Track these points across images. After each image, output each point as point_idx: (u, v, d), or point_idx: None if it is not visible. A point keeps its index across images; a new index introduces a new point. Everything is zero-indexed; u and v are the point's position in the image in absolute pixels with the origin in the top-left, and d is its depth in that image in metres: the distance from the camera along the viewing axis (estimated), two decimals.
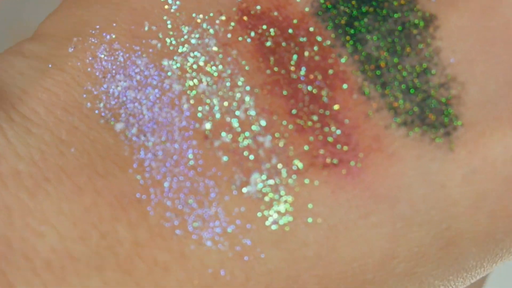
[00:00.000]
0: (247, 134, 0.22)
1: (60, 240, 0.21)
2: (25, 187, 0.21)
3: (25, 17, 0.59)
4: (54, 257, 0.21)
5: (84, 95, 0.23)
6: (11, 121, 0.22)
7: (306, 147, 0.22)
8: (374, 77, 0.23)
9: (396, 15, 0.23)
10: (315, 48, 0.23)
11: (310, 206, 0.22)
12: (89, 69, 0.23)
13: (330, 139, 0.22)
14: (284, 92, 0.23)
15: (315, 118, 0.22)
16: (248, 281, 0.21)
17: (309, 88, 0.23)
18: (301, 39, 0.23)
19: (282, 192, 0.22)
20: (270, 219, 0.22)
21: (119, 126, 0.22)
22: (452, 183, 0.23)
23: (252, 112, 0.22)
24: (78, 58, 0.23)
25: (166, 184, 0.22)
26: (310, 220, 0.22)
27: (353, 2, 0.23)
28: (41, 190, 0.21)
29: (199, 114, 0.22)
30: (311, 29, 0.23)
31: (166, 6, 0.24)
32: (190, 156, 0.22)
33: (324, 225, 0.22)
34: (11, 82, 0.23)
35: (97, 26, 0.24)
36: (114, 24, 0.24)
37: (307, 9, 0.24)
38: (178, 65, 0.23)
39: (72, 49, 0.23)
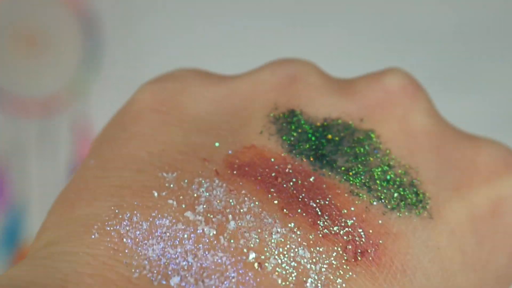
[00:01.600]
0: (285, 251, 0.24)
1: None
2: None
3: (25, 17, 0.59)
4: None
5: (127, 268, 0.23)
6: None
7: (336, 248, 0.25)
8: (357, 182, 0.27)
9: (349, 139, 0.28)
10: (301, 177, 0.26)
11: None
12: (118, 246, 0.23)
13: (349, 237, 0.25)
14: (299, 210, 0.25)
15: (329, 224, 0.26)
16: None
17: (314, 204, 0.26)
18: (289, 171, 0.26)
19: None
20: None
21: (174, 280, 0.23)
22: (442, 244, 0.27)
23: (280, 230, 0.25)
24: (105, 240, 0.24)
25: None
26: None
27: (313, 138, 0.28)
28: None
29: (243, 247, 0.24)
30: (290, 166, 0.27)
31: (165, 181, 0.26)
32: (251, 285, 0.23)
33: None
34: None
35: (109, 215, 0.24)
36: (125, 205, 0.25)
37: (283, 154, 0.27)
38: (202, 212, 0.24)
39: (95, 236, 0.24)
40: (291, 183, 0.26)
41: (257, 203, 0.25)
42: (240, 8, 0.61)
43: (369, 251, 0.25)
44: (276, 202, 0.25)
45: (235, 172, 0.26)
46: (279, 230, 0.24)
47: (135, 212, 0.24)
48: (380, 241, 0.25)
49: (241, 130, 0.27)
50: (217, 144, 0.27)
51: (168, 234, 0.23)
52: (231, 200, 0.25)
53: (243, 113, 0.28)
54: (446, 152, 0.29)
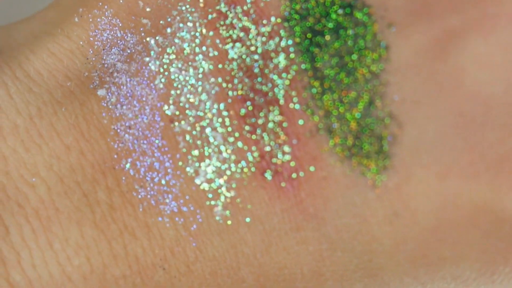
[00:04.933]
0: (204, 124, 0.24)
1: (48, 193, 0.23)
2: (21, 141, 0.24)
3: (25, 17, 0.60)
4: (42, 207, 0.23)
5: (85, 64, 0.25)
6: (16, 79, 0.24)
7: (255, 154, 0.24)
8: (320, 97, 0.24)
9: (351, 35, 0.24)
10: (281, 61, 0.24)
11: (249, 206, 0.24)
12: (91, 39, 0.25)
13: (275, 149, 0.24)
14: (239, 87, 0.24)
15: (263, 123, 0.24)
16: (196, 262, 0.24)
17: (268, 95, 0.24)
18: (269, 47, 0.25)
19: (227, 187, 0.24)
20: (216, 210, 0.24)
21: (100, 92, 0.25)
22: (373, 219, 0.24)
23: (210, 105, 0.24)
24: (83, 28, 0.25)
25: (134, 155, 0.24)
26: (248, 220, 0.24)
27: (323, 21, 0.24)
28: (35, 145, 0.24)
29: (168, 96, 0.24)
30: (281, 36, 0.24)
31: None
32: (156, 134, 0.24)
33: (260, 227, 0.24)
34: (23, 42, 0.25)
35: (105, 5, 0.26)
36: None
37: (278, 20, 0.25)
38: (160, 43, 0.25)
39: (78, 19, 0.25)
40: (256, 58, 0.24)
41: (210, 65, 0.24)
42: None
43: (284, 175, 0.24)
44: (226, 69, 0.24)
45: (216, 15, 0.25)
46: (208, 104, 0.24)
47: (118, 12, 0.25)
48: (301, 173, 0.24)
49: None
50: None
51: (128, 50, 0.25)
52: (190, 42, 0.25)
53: None
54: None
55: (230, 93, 0.24)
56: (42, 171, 0.23)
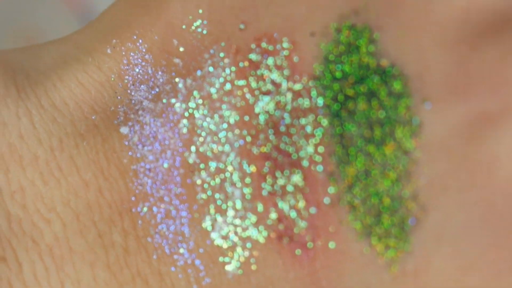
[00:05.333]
0: (224, 177, 0.24)
1: (63, 230, 0.23)
2: (40, 173, 0.23)
3: (25, 17, 0.59)
4: (56, 245, 0.23)
5: (112, 98, 0.24)
6: (41, 107, 0.24)
7: (273, 216, 0.23)
8: (344, 167, 0.23)
9: (385, 106, 0.23)
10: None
11: (264, 272, 0.23)
12: (122, 73, 0.25)
13: (293, 215, 0.23)
14: (263, 147, 0.24)
15: (286, 187, 0.24)
16: None
17: (292, 156, 0.24)
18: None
19: (242, 247, 0.24)
20: (228, 268, 0.23)
21: (123, 130, 0.24)
22: None
23: (232, 159, 0.24)
24: (115, 60, 0.25)
25: (152, 200, 0.24)
26: (260, 282, 0.23)
27: (356, 86, 0.23)
28: (54, 179, 0.23)
29: (191, 144, 0.24)
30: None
31: (198, 29, 0.25)
32: (176, 182, 0.24)
33: None
34: (52, 66, 0.25)
35: (136, 32, 0.25)
36: (150, 33, 0.25)
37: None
38: (187, 86, 0.25)
39: (111, 51, 0.25)
40: (284, 120, 0.24)
41: (236, 116, 0.24)
42: None
43: (301, 242, 0.23)
44: (252, 124, 0.24)
45: (249, 66, 0.24)
46: (231, 156, 0.24)
47: (152, 48, 0.25)
48: (319, 243, 0.23)
49: (304, 14, 0.24)
50: (272, 8, 0.24)
51: (157, 89, 0.25)
52: (218, 89, 0.24)
53: None
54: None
55: (254, 149, 0.24)
56: (58, 206, 0.23)
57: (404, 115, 0.22)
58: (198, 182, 0.24)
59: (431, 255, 0.22)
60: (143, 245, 0.23)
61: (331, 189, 0.23)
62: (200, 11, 0.25)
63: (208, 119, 0.24)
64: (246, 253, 0.23)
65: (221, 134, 0.24)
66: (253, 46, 0.24)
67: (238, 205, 0.24)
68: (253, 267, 0.23)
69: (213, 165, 0.24)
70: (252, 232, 0.23)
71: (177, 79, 0.24)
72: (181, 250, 0.24)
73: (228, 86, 0.24)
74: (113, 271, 0.23)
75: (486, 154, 0.22)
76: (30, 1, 0.60)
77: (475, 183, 0.22)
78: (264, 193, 0.23)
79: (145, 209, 0.24)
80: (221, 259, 0.24)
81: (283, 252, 0.23)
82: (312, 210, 0.23)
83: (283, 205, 0.23)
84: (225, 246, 0.24)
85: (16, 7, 0.59)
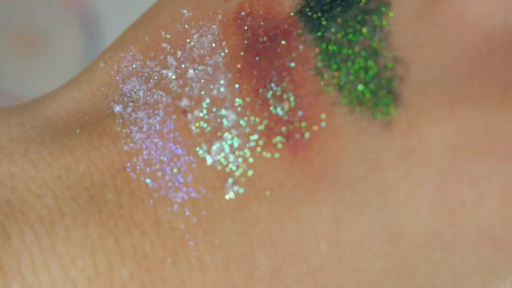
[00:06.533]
0: (214, 109, 0.24)
1: (54, 199, 0.23)
2: (30, 160, 0.24)
3: (25, 17, 0.59)
4: (47, 212, 0.23)
5: (104, 100, 0.25)
6: (32, 119, 0.25)
7: (264, 121, 0.24)
8: (327, 59, 0.24)
9: (356, 3, 0.25)
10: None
11: (262, 178, 0.23)
12: (113, 78, 0.26)
13: (281, 113, 0.24)
14: (254, 72, 0.24)
15: (274, 94, 0.24)
16: (208, 251, 0.23)
17: (279, 61, 0.25)
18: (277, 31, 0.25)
19: (239, 163, 0.24)
20: (227, 189, 0.23)
21: (117, 108, 0.25)
22: (388, 162, 0.22)
23: (223, 89, 0.24)
24: (106, 71, 0.26)
25: (145, 152, 0.24)
26: (260, 192, 0.23)
27: None
28: (44, 161, 0.24)
29: (182, 94, 0.25)
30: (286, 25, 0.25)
31: (182, 17, 0.26)
32: (169, 128, 0.24)
33: (271, 199, 0.23)
34: (46, 95, 0.26)
35: (128, 43, 0.26)
36: (140, 39, 0.26)
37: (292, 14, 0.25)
38: (178, 58, 0.26)
39: (103, 64, 0.26)
40: (268, 43, 0.25)
41: (223, 55, 0.25)
42: None
43: (295, 136, 0.23)
44: (240, 56, 0.25)
45: (239, 21, 0.25)
46: (221, 89, 0.24)
47: (141, 48, 0.26)
48: (314, 129, 0.23)
49: None
50: None
51: (146, 74, 0.26)
52: (208, 50, 0.25)
53: None
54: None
55: (243, 73, 0.24)
56: (49, 182, 0.23)
57: (373, 4, 0.24)
58: (191, 119, 0.24)
59: (420, 101, 0.23)
60: (137, 195, 0.23)
61: (318, 81, 0.24)
62: (186, 6, 0.26)
63: (197, 71, 0.25)
64: (243, 168, 0.23)
65: (211, 76, 0.25)
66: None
67: (233, 124, 0.24)
68: (251, 179, 0.23)
69: (205, 101, 0.24)
70: (247, 145, 0.24)
71: (167, 57, 0.25)
72: (178, 188, 0.24)
73: (216, 43, 0.25)
74: (107, 226, 0.23)
75: (451, 7, 0.24)
76: (30, 1, 0.60)
77: (447, 31, 0.23)
78: (257, 106, 0.24)
79: (138, 161, 0.24)
80: (218, 183, 0.23)
81: (281, 152, 0.23)
82: (304, 104, 0.24)
83: (274, 109, 0.24)
84: (221, 167, 0.23)
85: (16, 7, 0.60)
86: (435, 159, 0.22)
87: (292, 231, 0.23)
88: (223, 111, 0.24)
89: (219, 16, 0.26)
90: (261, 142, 0.24)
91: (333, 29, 0.24)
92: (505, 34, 0.23)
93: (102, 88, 0.26)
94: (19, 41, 0.60)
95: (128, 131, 0.24)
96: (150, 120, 0.24)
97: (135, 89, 0.25)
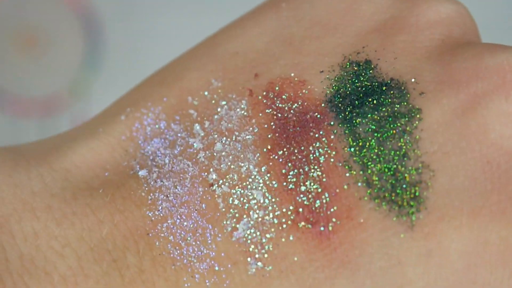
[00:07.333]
0: (242, 187, 0.25)
1: (77, 260, 0.23)
2: (54, 218, 0.24)
3: (26, 17, 0.59)
4: (70, 273, 0.23)
5: (124, 156, 0.26)
6: (52, 170, 0.25)
7: (290, 207, 0.25)
8: (358, 154, 0.25)
9: (388, 103, 0.26)
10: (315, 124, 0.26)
11: (285, 260, 0.24)
12: (134, 134, 0.26)
13: (307, 202, 0.25)
14: (283, 157, 0.25)
15: (302, 181, 0.25)
16: None
17: (309, 156, 0.26)
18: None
19: (264, 242, 0.24)
20: (250, 265, 0.24)
21: (142, 173, 0.25)
22: (408, 261, 0.24)
23: (252, 168, 0.25)
24: (126, 125, 0.26)
25: (170, 221, 0.24)
26: (283, 272, 0.24)
27: (360, 95, 0.26)
28: (67, 220, 0.24)
29: (210, 167, 0.25)
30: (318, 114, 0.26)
31: (210, 86, 0.27)
32: (196, 200, 0.25)
33: (293, 279, 0.24)
34: (62, 142, 0.26)
35: (151, 99, 0.27)
36: (165, 99, 0.27)
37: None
38: (205, 128, 0.26)
39: (124, 117, 0.26)
40: (298, 128, 0.26)
41: (253, 137, 0.25)
42: (246, 6, 0.60)
43: (321, 224, 0.24)
44: (269, 138, 0.25)
45: (265, 101, 0.26)
46: (250, 167, 0.25)
47: (165, 108, 0.26)
48: (338, 222, 0.24)
49: (311, 61, 0.27)
50: (282, 61, 0.27)
51: (170, 138, 0.26)
52: (236, 124, 0.26)
53: (328, 27, 0.28)
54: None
55: (272, 156, 0.25)
56: (73, 242, 0.23)
57: (405, 108, 0.26)
58: (219, 194, 0.25)
59: (443, 209, 0.24)
60: (159, 262, 0.24)
61: (348, 174, 0.25)
62: (215, 74, 0.27)
63: (226, 146, 0.25)
64: (268, 247, 0.24)
65: (240, 153, 0.25)
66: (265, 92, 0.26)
67: (260, 202, 0.25)
68: (275, 258, 0.24)
69: (233, 177, 0.25)
70: (273, 225, 0.24)
71: (194, 125, 0.26)
72: (200, 258, 0.24)
73: (245, 120, 0.26)
74: None
75: (479, 122, 0.25)
76: (31, 1, 0.60)
77: (472, 145, 0.25)
78: (284, 190, 0.25)
79: (163, 229, 0.24)
80: (241, 258, 0.24)
81: (303, 238, 0.24)
82: (332, 194, 0.25)
83: (303, 197, 0.25)
84: (247, 244, 0.24)
85: (16, 7, 0.59)
86: (452, 263, 0.24)
87: None
88: (251, 190, 0.25)
89: (248, 92, 0.26)
90: (287, 225, 0.24)
91: (365, 127, 0.26)
92: None
93: (122, 138, 0.26)
94: (19, 41, 0.60)
95: (153, 198, 0.25)
96: (177, 190, 0.25)
97: (159, 153, 0.26)
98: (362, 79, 0.27)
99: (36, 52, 0.59)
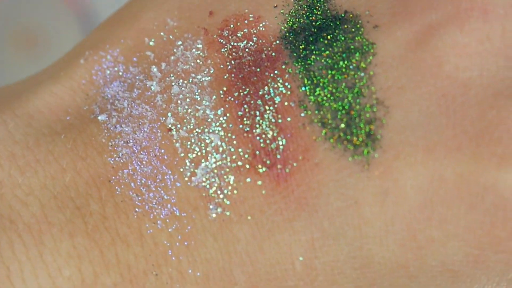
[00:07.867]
0: (199, 130, 0.25)
1: (41, 209, 0.24)
2: (17, 166, 0.24)
3: (26, 17, 0.60)
4: (34, 221, 0.23)
5: (85, 99, 0.26)
6: (15, 116, 0.25)
7: (247, 150, 0.25)
8: (312, 93, 0.25)
9: (342, 39, 0.25)
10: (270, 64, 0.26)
11: (244, 202, 0.24)
12: (94, 77, 0.26)
13: (264, 144, 0.25)
14: (239, 98, 0.25)
15: (258, 123, 0.25)
16: (189, 266, 0.24)
17: (265, 97, 0.25)
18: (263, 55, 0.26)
19: (222, 186, 0.25)
20: (211, 210, 0.24)
21: (101, 118, 0.25)
22: (364, 200, 0.24)
23: (208, 112, 0.25)
24: (86, 68, 0.26)
25: (131, 167, 0.25)
26: (241, 216, 0.24)
27: (314, 30, 0.26)
28: (31, 169, 0.24)
29: (167, 111, 0.25)
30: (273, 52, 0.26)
31: (166, 26, 0.27)
32: (155, 145, 0.25)
33: (252, 223, 0.24)
34: (25, 87, 0.27)
35: (109, 41, 0.27)
36: (122, 41, 0.27)
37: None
38: (162, 70, 0.26)
39: (83, 61, 0.26)
40: (253, 68, 0.25)
41: (210, 78, 0.25)
42: None
43: (278, 167, 0.24)
44: (225, 79, 0.25)
45: (220, 40, 0.26)
46: (207, 111, 0.25)
47: (123, 51, 0.26)
48: (295, 164, 0.24)
49: None
50: None
51: (129, 80, 0.26)
52: (192, 65, 0.26)
53: None
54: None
55: (228, 98, 0.25)
56: (36, 190, 0.24)
57: (359, 43, 0.25)
58: (177, 138, 0.25)
59: (398, 146, 0.24)
60: (121, 208, 0.24)
61: (302, 115, 0.25)
62: (171, 14, 0.26)
63: (183, 89, 0.25)
64: (226, 191, 0.24)
65: (197, 95, 0.25)
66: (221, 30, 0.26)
67: (218, 149, 0.25)
68: (234, 202, 0.24)
69: (190, 121, 0.25)
70: (231, 169, 0.24)
71: (151, 67, 0.26)
72: (163, 205, 0.24)
73: (200, 60, 0.26)
74: (92, 237, 0.24)
75: (433, 55, 0.25)
76: (30, 1, 0.60)
77: (427, 79, 0.24)
78: (241, 133, 0.25)
79: (124, 175, 0.24)
80: (201, 203, 0.24)
81: (261, 181, 0.24)
82: (288, 135, 0.24)
83: (259, 139, 0.25)
84: (205, 189, 0.24)
85: (16, 7, 0.60)
86: (408, 201, 0.24)
87: (270, 253, 0.24)
88: (208, 134, 0.25)
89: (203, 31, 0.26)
90: (244, 169, 0.24)
91: (319, 65, 0.25)
92: (480, 87, 0.24)
93: (83, 82, 0.26)
94: (19, 41, 0.60)
95: (113, 144, 0.25)
96: (136, 135, 0.25)
97: (118, 96, 0.26)
98: (316, 12, 0.26)
99: (36, 52, 0.60)
